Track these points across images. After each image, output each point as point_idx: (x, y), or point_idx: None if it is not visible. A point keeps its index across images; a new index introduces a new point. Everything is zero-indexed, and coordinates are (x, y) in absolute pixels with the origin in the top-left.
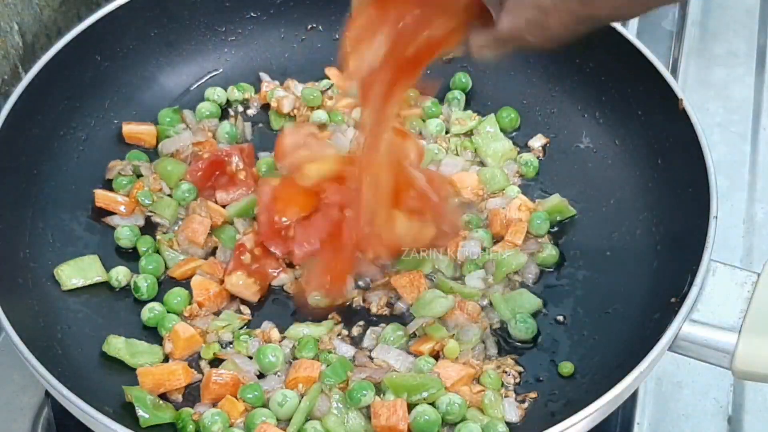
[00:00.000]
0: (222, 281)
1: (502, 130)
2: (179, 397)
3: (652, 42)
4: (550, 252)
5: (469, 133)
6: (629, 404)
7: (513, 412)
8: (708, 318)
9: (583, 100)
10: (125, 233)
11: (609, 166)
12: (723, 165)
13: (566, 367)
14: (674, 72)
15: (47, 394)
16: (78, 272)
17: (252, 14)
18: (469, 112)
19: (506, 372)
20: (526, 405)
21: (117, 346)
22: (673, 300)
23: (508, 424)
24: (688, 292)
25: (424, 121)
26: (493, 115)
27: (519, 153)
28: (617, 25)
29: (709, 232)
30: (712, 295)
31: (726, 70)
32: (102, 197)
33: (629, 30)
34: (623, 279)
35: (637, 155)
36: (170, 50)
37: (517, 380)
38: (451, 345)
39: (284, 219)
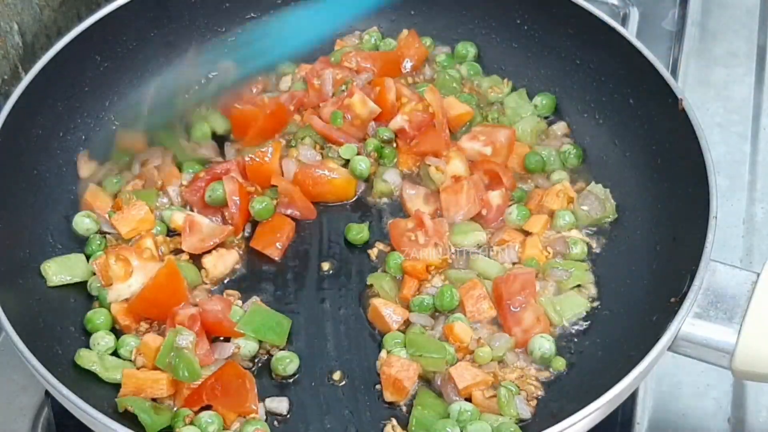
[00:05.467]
0: None
1: None
2: (171, 402)
3: (652, 42)
4: (582, 249)
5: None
6: (629, 404)
7: (524, 409)
8: (707, 318)
9: (583, 100)
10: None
11: (609, 166)
12: (723, 165)
13: (567, 367)
14: (674, 72)
15: (47, 394)
16: (64, 269)
17: (252, 14)
18: (496, 76)
19: (528, 382)
20: (533, 404)
21: (90, 359)
22: (672, 300)
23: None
24: (688, 292)
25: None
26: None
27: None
28: (617, 25)
29: (709, 232)
30: (712, 295)
31: (726, 70)
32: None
33: (629, 30)
34: (623, 279)
35: (637, 155)
36: (170, 50)
37: (539, 394)
38: (484, 351)
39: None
